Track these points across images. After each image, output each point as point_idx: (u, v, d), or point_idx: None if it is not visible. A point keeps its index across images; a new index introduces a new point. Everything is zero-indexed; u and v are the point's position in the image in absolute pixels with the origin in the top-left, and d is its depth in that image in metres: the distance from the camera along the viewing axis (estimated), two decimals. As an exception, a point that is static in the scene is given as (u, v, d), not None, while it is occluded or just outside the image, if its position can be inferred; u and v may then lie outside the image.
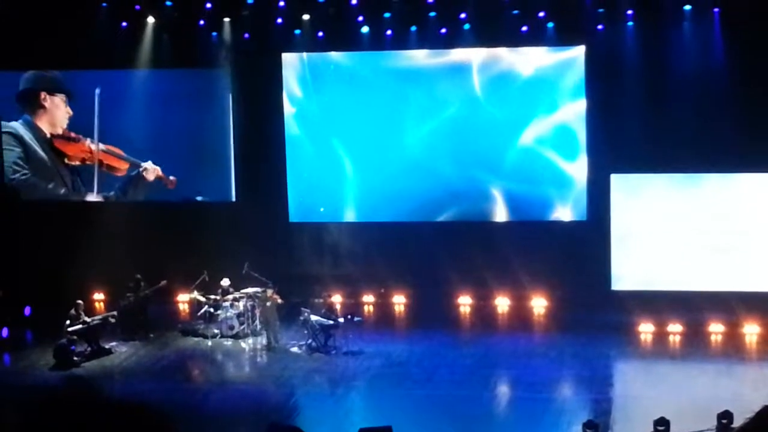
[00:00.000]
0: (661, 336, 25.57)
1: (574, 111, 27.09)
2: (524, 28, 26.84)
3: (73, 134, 28.82)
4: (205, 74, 28.67)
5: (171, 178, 28.67)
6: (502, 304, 28.00)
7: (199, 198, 29.07)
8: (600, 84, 26.68)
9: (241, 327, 26.06)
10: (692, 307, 25.66)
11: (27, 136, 28.82)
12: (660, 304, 25.81)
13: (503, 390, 22.87)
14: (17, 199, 29.14)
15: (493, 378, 23.12)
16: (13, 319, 26.30)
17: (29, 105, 28.76)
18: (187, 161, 28.87)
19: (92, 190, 28.97)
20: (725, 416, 18.71)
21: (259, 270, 26.35)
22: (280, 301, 25.70)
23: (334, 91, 28.31)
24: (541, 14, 26.63)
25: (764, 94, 25.08)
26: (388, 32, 27.65)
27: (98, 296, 28.61)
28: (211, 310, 26.35)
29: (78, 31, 27.40)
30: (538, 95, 27.30)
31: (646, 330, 25.74)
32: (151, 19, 28.27)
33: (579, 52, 26.94)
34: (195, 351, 25.47)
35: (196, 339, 26.11)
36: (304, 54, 28.27)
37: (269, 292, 25.68)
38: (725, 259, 26.10)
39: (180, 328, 26.93)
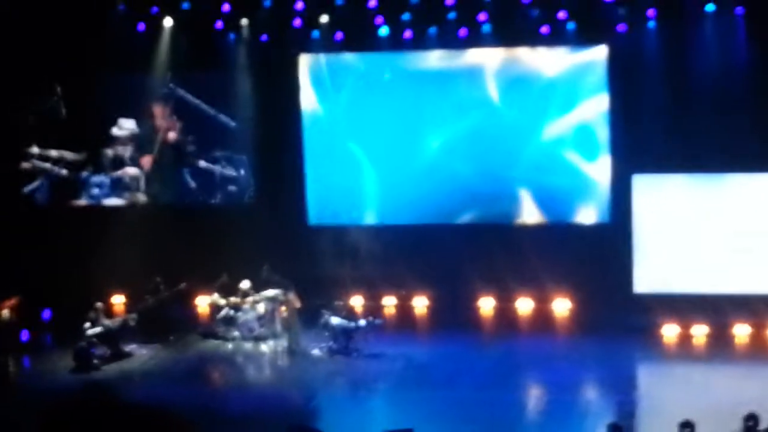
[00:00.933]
0: (684, 338, 25.43)
1: (595, 111, 26.95)
2: (544, 29, 26.73)
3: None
4: (223, 76, 28.60)
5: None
6: (524, 306, 27.86)
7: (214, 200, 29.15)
8: (622, 84, 26.53)
9: (261, 329, 26.03)
10: (716, 308, 25.50)
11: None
12: (683, 306, 25.66)
13: (526, 392, 22.72)
14: (35, 203, 29.17)
15: (516, 380, 23.01)
16: (33, 323, 26.40)
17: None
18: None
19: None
20: (751, 418, 18.52)
21: (279, 273, 26.37)
22: (298, 304, 25.65)
23: (352, 92, 28.24)
24: (562, 14, 26.50)
25: (788, 93, 25.00)
26: (408, 33, 27.54)
27: (118, 299, 28.61)
28: (231, 312, 26.32)
29: (95, 34, 27.41)
30: (558, 96, 27.15)
31: (669, 332, 25.59)
32: (168, 21, 28.25)
33: (600, 52, 26.80)
34: (215, 354, 25.45)
35: (216, 342, 26.09)
36: (323, 55, 28.21)
37: (288, 294, 25.64)
38: (750, 260, 25.95)
39: (200, 330, 26.88)
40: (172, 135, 28.91)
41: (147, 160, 29.17)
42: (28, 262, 27.53)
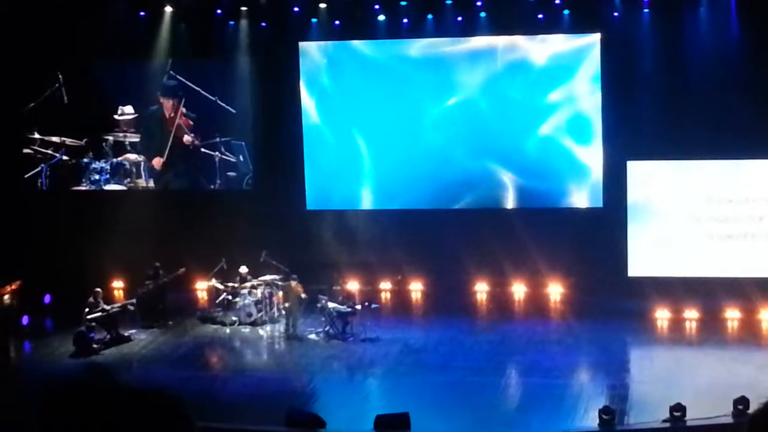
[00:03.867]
0: (677, 322, 25.57)
1: (589, 98, 27.16)
2: (540, 16, 26.89)
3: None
4: (223, 63, 28.79)
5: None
6: (519, 290, 28.03)
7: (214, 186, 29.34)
8: (616, 71, 26.74)
9: (259, 314, 26.21)
10: (709, 293, 25.63)
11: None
12: (676, 290, 25.79)
13: (520, 376, 22.88)
14: (36, 189, 29.39)
15: (510, 364, 23.21)
16: (33, 307, 26.50)
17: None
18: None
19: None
20: (741, 402, 18.74)
21: (277, 258, 26.60)
22: (304, 295, 25.77)
23: (350, 79, 28.43)
24: (557, 1, 26.70)
25: (781, 80, 25.14)
26: (405, 20, 27.74)
27: (117, 284, 28.78)
28: (230, 297, 26.49)
29: (96, 21, 27.51)
30: (553, 82, 27.37)
31: (662, 316, 25.75)
32: (168, 9, 28.40)
33: (595, 39, 26.98)
34: (213, 338, 25.64)
35: (214, 326, 26.28)
36: (321, 43, 28.39)
37: (293, 283, 25.79)
38: (742, 245, 26.15)
39: (198, 315, 27.11)
40: (188, 139, 29.02)
41: (158, 161, 29.36)
42: (29, 247, 27.74)
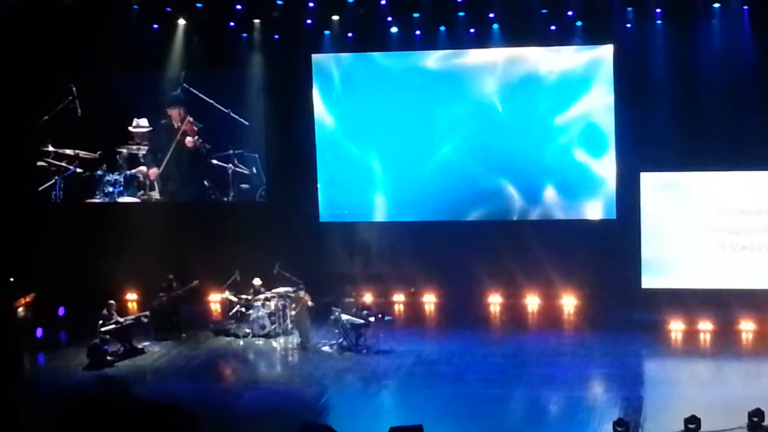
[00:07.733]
0: (691, 334, 25.50)
1: (602, 110, 27.13)
2: (553, 28, 26.87)
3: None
4: (236, 75, 28.82)
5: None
6: (532, 302, 28.04)
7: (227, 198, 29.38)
8: (628, 83, 26.71)
9: (273, 326, 26.21)
10: (723, 304, 25.62)
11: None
12: (690, 301, 25.76)
13: (533, 388, 22.71)
14: (50, 201, 29.44)
15: (524, 376, 23.09)
16: (48, 320, 26.55)
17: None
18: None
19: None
20: (756, 414, 18.72)
21: (290, 270, 26.60)
22: (310, 303, 25.81)
23: (363, 91, 28.46)
24: (570, 13, 26.63)
25: (795, 91, 25.12)
26: (417, 32, 27.76)
27: (131, 296, 28.89)
28: (243, 309, 26.54)
29: (109, 34, 27.59)
30: (566, 94, 27.35)
31: (676, 328, 25.69)
32: (182, 21, 28.45)
33: (607, 50, 26.98)
34: (227, 350, 25.63)
35: (228, 338, 26.28)
36: (334, 55, 28.41)
37: (300, 293, 25.84)
38: (756, 257, 26.08)
39: (212, 327, 27.08)
40: (189, 140, 29.09)
41: (153, 172, 29.45)
42: (43, 259, 27.80)
